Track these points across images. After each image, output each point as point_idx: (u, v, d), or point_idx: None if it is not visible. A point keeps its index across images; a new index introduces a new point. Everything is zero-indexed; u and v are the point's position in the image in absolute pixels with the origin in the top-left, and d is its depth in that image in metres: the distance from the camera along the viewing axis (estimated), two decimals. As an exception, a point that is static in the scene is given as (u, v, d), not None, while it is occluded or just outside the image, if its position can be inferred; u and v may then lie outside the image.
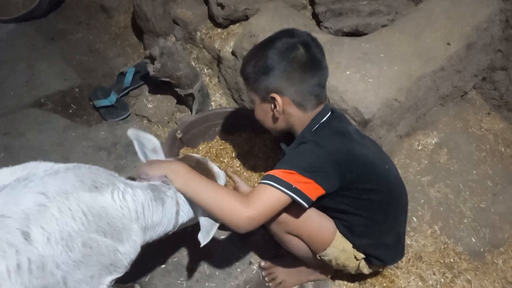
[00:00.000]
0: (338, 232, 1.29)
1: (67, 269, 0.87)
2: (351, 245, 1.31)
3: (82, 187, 0.93)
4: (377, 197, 1.23)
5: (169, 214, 1.13)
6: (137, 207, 1.03)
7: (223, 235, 1.67)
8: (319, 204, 1.20)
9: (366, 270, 1.38)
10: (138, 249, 1.05)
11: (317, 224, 1.27)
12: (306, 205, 1.10)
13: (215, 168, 1.32)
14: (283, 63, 1.18)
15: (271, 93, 1.20)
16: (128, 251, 1.01)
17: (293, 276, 1.51)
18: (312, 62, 1.20)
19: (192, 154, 1.36)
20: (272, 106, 1.23)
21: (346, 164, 1.13)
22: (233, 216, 1.08)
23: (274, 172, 1.11)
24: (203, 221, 1.17)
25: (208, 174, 1.25)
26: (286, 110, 1.22)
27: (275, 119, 1.26)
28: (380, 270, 1.51)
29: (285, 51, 1.18)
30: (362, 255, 1.32)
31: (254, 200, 1.08)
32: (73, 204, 0.89)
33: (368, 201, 1.23)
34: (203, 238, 1.15)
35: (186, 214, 1.19)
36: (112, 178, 1.02)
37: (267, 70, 1.19)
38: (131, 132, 1.25)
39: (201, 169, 1.25)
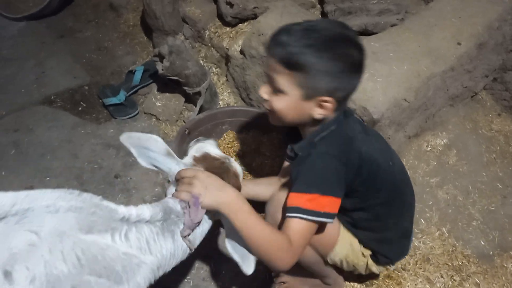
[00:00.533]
0: (342, 227, 1.29)
1: None
2: (357, 241, 1.30)
3: (80, 229, 0.88)
4: (381, 195, 1.22)
5: (182, 244, 1.06)
6: (141, 244, 0.96)
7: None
8: None
9: (375, 268, 1.36)
10: None
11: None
12: (332, 221, 1.10)
13: (238, 169, 1.25)
14: (349, 66, 1.07)
15: (324, 95, 1.07)
16: None
17: (298, 280, 1.50)
18: (362, 65, 1.11)
19: (213, 154, 1.23)
20: (316, 106, 1.10)
21: (355, 170, 1.12)
22: (279, 260, 1.06)
23: (298, 203, 1.07)
24: (235, 248, 1.11)
25: (230, 174, 1.20)
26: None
27: (303, 116, 1.14)
28: (388, 268, 1.48)
29: (354, 54, 1.07)
30: (369, 251, 1.31)
31: (294, 239, 1.05)
32: (66, 247, 0.85)
33: (373, 199, 1.22)
34: (248, 268, 1.10)
35: (200, 236, 1.13)
36: (114, 224, 0.95)
37: (334, 73, 1.05)
38: (125, 138, 1.11)
39: (224, 170, 1.19)
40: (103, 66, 2.53)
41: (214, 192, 1.04)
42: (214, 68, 2.34)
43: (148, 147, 1.12)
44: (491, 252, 1.67)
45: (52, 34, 2.79)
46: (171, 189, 1.14)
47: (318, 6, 2.30)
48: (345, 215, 1.28)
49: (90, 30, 2.81)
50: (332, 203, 1.09)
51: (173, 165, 1.14)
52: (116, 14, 2.82)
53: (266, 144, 1.84)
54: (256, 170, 1.77)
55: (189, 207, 1.04)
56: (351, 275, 1.50)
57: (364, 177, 1.15)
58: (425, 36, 1.84)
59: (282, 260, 1.05)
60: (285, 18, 1.94)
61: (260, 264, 1.56)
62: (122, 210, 0.97)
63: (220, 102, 2.20)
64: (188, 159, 1.21)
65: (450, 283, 1.56)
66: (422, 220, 1.73)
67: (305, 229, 1.07)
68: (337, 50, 1.05)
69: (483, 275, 1.59)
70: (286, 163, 1.48)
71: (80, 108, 2.27)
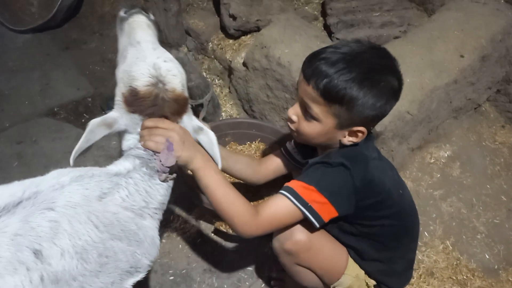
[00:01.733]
0: (350, 258, 1.25)
1: (84, 279, 0.87)
2: (363, 272, 1.27)
3: (90, 197, 0.93)
4: (389, 223, 1.19)
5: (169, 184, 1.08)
6: (143, 195, 1.00)
7: (231, 247, 1.66)
8: (330, 226, 1.18)
9: None
10: (157, 243, 1.04)
11: (330, 253, 1.22)
12: (317, 225, 1.07)
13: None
14: (388, 98, 1.05)
15: (359, 125, 1.07)
16: (147, 250, 1.00)
17: None
18: (399, 93, 1.09)
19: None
20: (348, 134, 1.10)
21: (365, 193, 1.10)
22: (241, 225, 1.07)
23: (293, 185, 1.08)
24: None
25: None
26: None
27: (331, 141, 1.13)
28: None
29: (394, 85, 1.06)
30: (374, 282, 1.28)
31: (266, 208, 1.08)
32: (82, 217, 0.89)
33: (381, 227, 1.18)
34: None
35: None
36: (114, 178, 0.99)
37: (373, 107, 1.03)
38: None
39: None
40: (107, 78, 2.55)
41: (190, 147, 1.04)
42: (217, 80, 2.35)
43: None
44: (496, 266, 1.65)
45: (57, 46, 2.82)
46: (129, 141, 1.07)
47: (321, 18, 2.32)
48: (352, 244, 1.24)
49: (95, 42, 2.83)
50: (323, 205, 1.06)
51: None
52: (121, 26, 2.85)
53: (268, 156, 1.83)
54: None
55: (158, 153, 1.02)
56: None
57: (373, 201, 1.12)
58: (428, 49, 1.84)
59: (241, 226, 1.07)
60: (288, 31, 1.95)
61: (263, 278, 1.55)
62: (111, 167, 1.02)
63: (223, 113, 2.21)
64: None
65: (455, 298, 1.54)
66: (425, 233, 1.71)
67: (282, 209, 1.07)
68: (380, 84, 1.03)
69: (489, 290, 1.57)
70: (277, 158, 1.45)
71: (83, 120, 2.28)
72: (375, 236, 1.20)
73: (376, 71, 1.04)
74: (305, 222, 1.11)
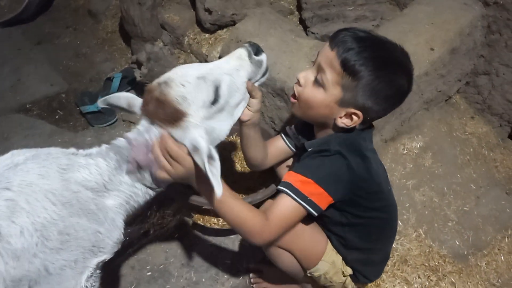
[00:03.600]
0: (329, 244, 1.29)
1: (46, 256, 0.87)
2: (340, 259, 1.30)
3: (47, 175, 0.92)
4: (378, 216, 1.23)
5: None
6: (104, 179, 0.99)
7: (209, 241, 1.67)
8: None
9: (351, 287, 1.37)
10: (120, 225, 1.03)
11: (310, 237, 1.26)
12: (316, 214, 1.11)
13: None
14: (395, 96, 1.11)
15: (358, 109, 1.10)
16: (109, 231, 0.99)
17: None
18: (404, 99, 1.15)
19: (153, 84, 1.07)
20: (344, 115, 1.13)
21: (361, 182, 1.13)
22: (255, 236, 1.10)
23: (292, 180, 1.11)
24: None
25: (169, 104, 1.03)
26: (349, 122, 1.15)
27: (327, 117, 1.15)
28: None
29: (404, 85, 1.11)
30: (350, 271, 1.32)
31: (273, 212, 1.10)
32: (39, 195, 0.88)
33: (369, 219, 1.22)
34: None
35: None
36: (72, 156, 0.99)
37: (380, 96, 1.08)
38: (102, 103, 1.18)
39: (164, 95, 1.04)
40: (81, 73, 2.50)
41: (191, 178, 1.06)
42: (193, 74, 2.34)
43: (117, 105, 1.17)
44: (465, 252, 1.71)
45: (29, 41, 2.75)
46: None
47: (296, 13, 2.33)
48: (338, 233, 1.27)
49: (68, 37, 2.77)
50: (321, 196, 1.09)
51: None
52: (95, 20, 2.80)
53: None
54: (241, 177, 1.77)
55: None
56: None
57: (368, 191, 1.16)
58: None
59: (256, 238, 1.10)
60: (263, 25, 1.96)
61: (241, 271, 1.57)
62: (71, 149, 1.02)
63: (200, 108, 2.21)
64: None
65: (427, 283, 1.59)
66: (399, 222, 1.76)
67: (287, 208, 1.10)
68: (393, 76, 1.08)
69: (458, 274, 1.63)
70: (278, 143, 1.44)
71: (57, 116, 2.24)
72: (363, 227, 1.24)
73: (396, 64, 1.10)
74: None
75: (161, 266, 1.58)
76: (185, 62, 2.36)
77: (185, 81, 1.00)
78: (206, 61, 2.19)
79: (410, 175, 1.90)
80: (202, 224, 1.61)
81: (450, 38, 1.92)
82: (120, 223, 1.04)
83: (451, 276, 1.62)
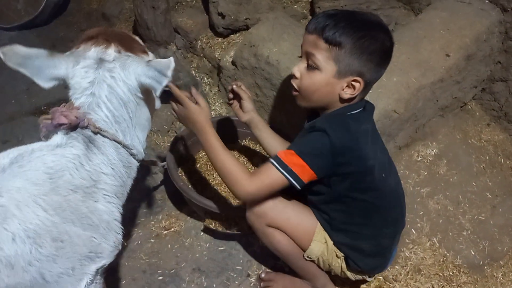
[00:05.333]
0: (318, 224, 1.34)
1: (41, 264, 0.85)
2: (331, 241, 1.34)
3: (34, 178, 0.89)
4: (362, 198, 1.26)
5: (118, 155, 1.03)
6: (88, 170, 0.95)
7: (221, 246, 1.66)
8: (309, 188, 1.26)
9: (350, 274, 1.39)
10: (115, 228, 1.01)
11: (297, 213, 1.33)
12: (298, 187, 1.17)
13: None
14: (381, 50, 1.18)
15: (355, 75, 1.16)
16: (104, 235, 0.96)
17: (287, 280, 1.51)
18: (390, 56, 1.23)
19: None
20: (346, 86, 1.18)
21: (344, 158, 1.17)
22: (236, 186, 1.20)
23: (280, 153, 1.19)
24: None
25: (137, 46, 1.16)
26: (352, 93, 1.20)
27: (331, 95, 1.21)
28: (368, 279, 1.48)
29: (386, 40, 1.19)
30: (342, 254, 1.34)
31: (257, 177, 1.20)
32: (29, 201, 0.86)
33: (353, 200, 1.26)
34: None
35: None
36: (58, 150, 0.97)
37: (369, 53, 1.15)
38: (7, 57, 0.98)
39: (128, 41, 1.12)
40: (94, 76, 2.52)
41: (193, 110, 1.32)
42: (206, 79, 2.34)
43: (32, 57, 1.03)
44: (481, 262, 1.68)
45: (43, 44, 2.78)
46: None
47: (310, 17, 2.33)
48: (324, 211, 1.32)
49: (82, 40, 2.80)
50: (302, 168, 1.15)
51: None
52: (109, 23, 2.82)
53: (259, 154, 1.84)
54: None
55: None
56: (343, 284, 1.51)
57: (352, 170, 1.19)
58: (414, 48, 1.86)
59: (238, 186, 1.20)
60: (276, 30, 1.96)
61: (252, 277, 1.56)
62: (54, 140, 1.01)
63: (212, 112, 2.21)
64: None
65: (441, 293, 1.57)
66: (413, 230, 1.74)
67: (270, 177, 1.18)
68: (373, 32, 1.17)
69: (474, 285, 1.59)
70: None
71: (71, 119, 2.25)
72: (346, 206, 1.28)
73: (371, 23, 1.19)
74: None
75: (172, 271, 1.58)
76: (197, 66, 2.36)
77: None
78: (219, 66, 2.19)
79: (424, 183, 1.88)
80: (213, 228, 1.60)
81: (466, 44, 1.90)
82: (115, 225, 1.01)
83: (466, 286, 1.59)
